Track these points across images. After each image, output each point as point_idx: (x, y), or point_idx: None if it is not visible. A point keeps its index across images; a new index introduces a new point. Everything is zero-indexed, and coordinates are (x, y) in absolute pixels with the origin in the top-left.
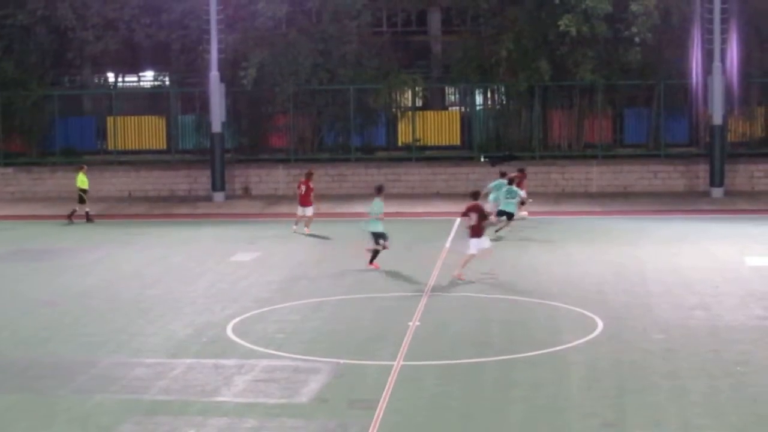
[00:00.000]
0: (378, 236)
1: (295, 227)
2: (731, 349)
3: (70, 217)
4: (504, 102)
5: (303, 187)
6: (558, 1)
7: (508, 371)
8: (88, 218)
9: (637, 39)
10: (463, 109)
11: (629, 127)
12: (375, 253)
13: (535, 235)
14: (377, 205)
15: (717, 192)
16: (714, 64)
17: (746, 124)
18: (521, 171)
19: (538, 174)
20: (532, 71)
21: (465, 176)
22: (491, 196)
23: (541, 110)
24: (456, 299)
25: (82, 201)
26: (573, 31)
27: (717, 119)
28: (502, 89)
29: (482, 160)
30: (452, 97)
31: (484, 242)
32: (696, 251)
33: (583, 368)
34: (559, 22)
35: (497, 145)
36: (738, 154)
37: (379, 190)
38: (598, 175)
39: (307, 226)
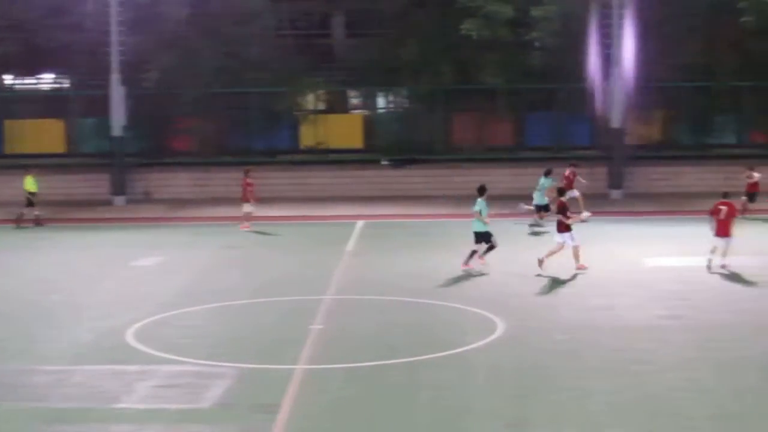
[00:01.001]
0: (481, 236)
1: (242, 227)
2: (633, 348)
3: (18, 221)
4: (407, 105)
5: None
6: (460, 6)
7: (412, 373)
8: (37, 222)
9: (538, 43)
10: (366, 112)
11: (531, 130)
12: (472, 254)
13: (438, 237)
14: (480, 204)
15: (616, 194)
16: (613, 69)
17: (645, 128)
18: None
19: (441, 177)
20: (436, 75)
21: (368, 179)
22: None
23: (444, 113)
24: (359, 302)
25: (30, 204)
26: (475, 35)
27: (616, 123)
28: (406, 92)
29: (384, 163)
30: (356, 101)
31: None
32: (597, 252)
33: (486, 369)
34: (462, 27)
35: (400, 148)
36: (637, 157)
37: (481, 191)
38: (501, 178)
39: (244, 223)
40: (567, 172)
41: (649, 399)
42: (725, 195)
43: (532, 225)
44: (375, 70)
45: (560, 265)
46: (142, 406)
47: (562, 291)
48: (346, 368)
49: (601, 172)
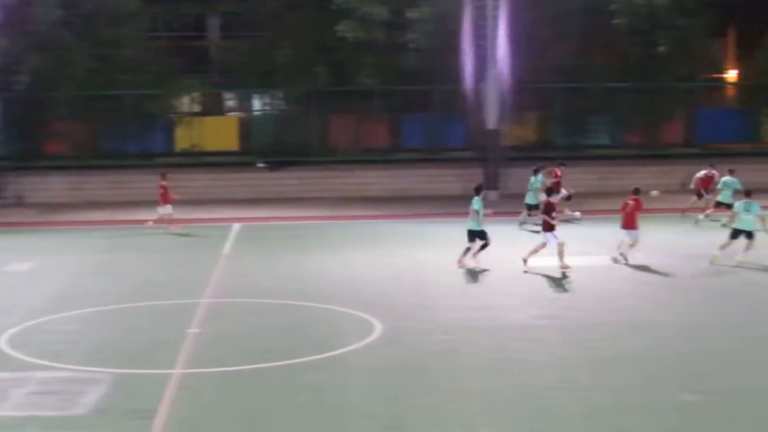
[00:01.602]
0: (475, 235)
1: (173, 228)
2: (509, 348)
3: None
4: (283, 107)
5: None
6: (336, 7)
7: (290, 376)
8: None
9: (413, 45)
10: (241, 114)
11: (407, 131)
12: (466, 251)
13: (315, 239)
14: (478, 203)
15: (492, 195)
16: (488, 70)
17: (520, 129)
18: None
19: (318, 179)
20: (311, 76)
21: (244, 182)
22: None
23: (319, 115)
24: (235, 305)
25: None
26: (351, 36)
27: (491, 124)
28: (281, 95)
29: (259, 165)
30: (231, 103)
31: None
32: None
33: (364, 371)
34: (337, 28)
35: (276, 150)
36: (512, 157)
37: (478, 190)
38: (377, 180)
39: (171, 225)
40: (558, 172)
41: (526, 398)
42: (636, 191)
43: (522, 224)
44: (250, 72)
45: (439, 265)
46: (16, 414)
47: (439, 292)
48: (223, 372)
49: (477, 173)
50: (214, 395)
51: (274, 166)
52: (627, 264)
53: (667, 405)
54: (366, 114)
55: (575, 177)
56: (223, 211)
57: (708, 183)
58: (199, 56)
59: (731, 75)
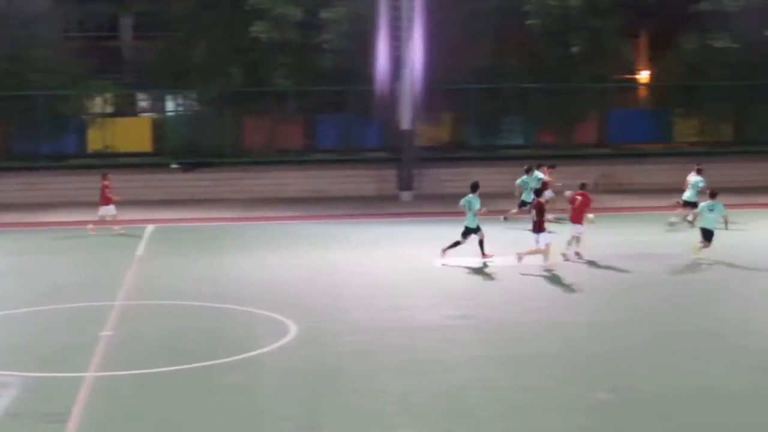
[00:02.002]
0: (469, 231)
1: (117, 228)
2: (423, 348)
3: None
4: (197, 108)
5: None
6: (250, 8)
7: (206, 378)
8: None
9: (328, 45)
10: (155, 115)
11: (322, 132)
12: (454, 245)
13: (229, 240)
14: (475, 201)
15: (406, 195)
16: (402, 71)
17: (434, 130)
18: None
19: (232, 180)
20: (225, 77)
21: (157, 183)
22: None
23: (234, 116)
24: (149, 307)
25: None
26: (265, 37)
27: (406, 124)
28: (195, 95)
29: (173, 166)
30: (144, 104)
31: (547, 236)
32: (388, 254)
33: (279, 372)
34: (251, 29)
35: (190, 151)
36: (426, 158)
37: (474, 188)
38: (292, 181)
39: (113, 226)
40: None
41: (440, 398)
42: (582, 186)
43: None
44: (164, 72)
45: (354, 266)
46: None
47: (354, 293)
48: (137, 374)
49: (391, 173)
50: (129, 398)
51: (188, 167)
52: (542, 265)
53: (581, 404)
54: (280, 115)
55: (489, 177)
56: (137, 213)
57: None
58: (113, 57)
59: (644, 76)
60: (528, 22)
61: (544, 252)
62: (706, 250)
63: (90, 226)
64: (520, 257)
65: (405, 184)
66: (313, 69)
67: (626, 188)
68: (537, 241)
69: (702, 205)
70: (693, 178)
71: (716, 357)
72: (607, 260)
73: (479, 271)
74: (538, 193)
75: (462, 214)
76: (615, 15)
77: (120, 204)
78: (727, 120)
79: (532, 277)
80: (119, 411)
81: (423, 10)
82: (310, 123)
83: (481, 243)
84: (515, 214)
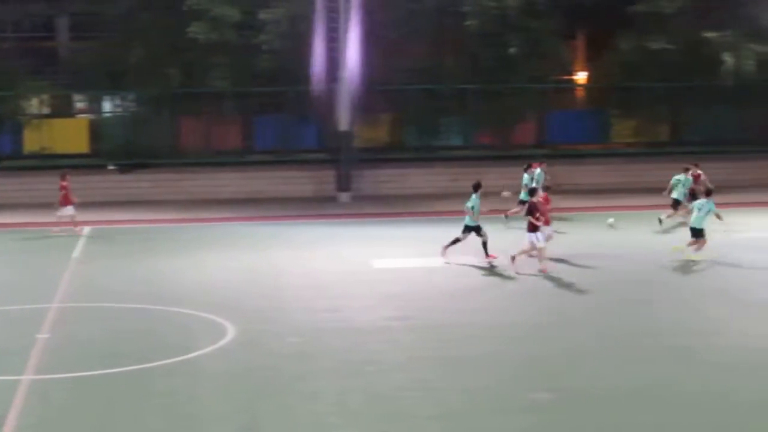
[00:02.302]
0: (470, 229)
1: (77, 230)
2: (360, 349)
3: None
4: (134, 109)
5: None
6: (187, 9)
7: (143, 381)
8: None
9: (266, 46)
10: (92, 116)
11: (260, 133)
12: (454, 242)
13: (167, 242)
14: (473, 201)
15: (344, 197)
16: (340, 72)
17: (372, 131)
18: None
19: (169, 181)
20: (162, 78)
21: (94, 185)
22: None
23: (171, 117)
24: (86, 310)
25: None
26: (202, 38)
27: (344, 125)
28: (132, 96)
29: (110, 168)
30: (81, 105)
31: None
32: (326, 255)
33: (217, 374)
34: (189, 30)
35: (127, 152)
36: (365, 159)
37: (476, 187)
38: (229, 182)
39: (75, 226)
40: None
41: (378, 399)
42: (546, 189)
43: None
44: (101, 73)
45: (292, 267)
46: None
47: (292, 294)
48: (74, 377)
49: (329, 174)
50: (65, 401)
51: (126, 168)
52: (480, 265)
53: (519, 404)
54: (218, 116)
55: (427, 179)
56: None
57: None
58: (49, 58)
59: (581, 77)
60: (466, 23)
61: (540, 252)
62: (698, 249)
63: (54, 228)
64: (513, 259)
65: (343, 185)
66: (251, 70)
67: (565, 188)
68: (532, 241)
69: (695, 203)
70: (681, 177)
71: (656, 357)
72: (556, 262)
73: (418, 271)
74: (532, 192)
75: (399, 215)
76: (552, 16)
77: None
78: (663, 121)
79: (472, 278)
80: (56, 415)
81: (361, 11)
82: (247, 124)
83: (484, 245)
84: (517, 212)
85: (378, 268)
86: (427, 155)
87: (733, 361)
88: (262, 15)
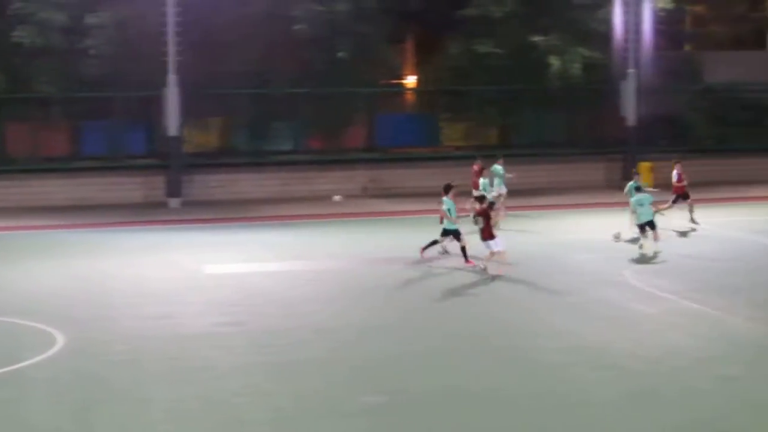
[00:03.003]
0: (448, 233)
1: None
2: (192, 356)
3: None
4: None
5: None
6: (12, 13)
7: None
8: None
9: (94, 51)
10: None
11: (88, 139)
12: (431, 243)
13: None
14: (447, 203)
15: (175, 202)
16: (169, 77)
17: (202, 135)
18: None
19: None
20: None
21: None
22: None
23: None
24: None
25: None
26: (27, 42)
27: (173, 131)
28: None
29: None
30: None
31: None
32: (157, 261)
33: (46, 384)
34: (14, 34)
35: None
36: (194, 164)
37: (447, 189)
38: (58, 189)
39: None
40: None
41: (211, 405)
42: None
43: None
44: None
45: (121, 274)
46: None
47: (122, 301)
48: None
49: (160, 180)
50: None
51: None
52: (309, 270)
53: (351, 408)
54: (45, 121)
55: (258, 183)
56: None
57: (681, 181)
58: None
59: (411, 81)
60: (296, 27)
61: (501, 256)
62: (656, 240)
63: None
64: (483, 268)
65: (173, 191)
66: (79, 75)
67: (395, 192)
68: (489, 248)
69: (632, 201)
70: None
71: (484, 358)
72: (378, 264)
73: (249, 277)
74: (481, 200)
75: (230, 220)
76: (382, 20)
77: None
78: (492, 124)
79: (302, 282)
80: None
81: (190, 14)
82: (75, 130)
83: (463, 249)
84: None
85: (209, 274)
86: (257, 160)
87: (560, 362)
88: (89, 19)
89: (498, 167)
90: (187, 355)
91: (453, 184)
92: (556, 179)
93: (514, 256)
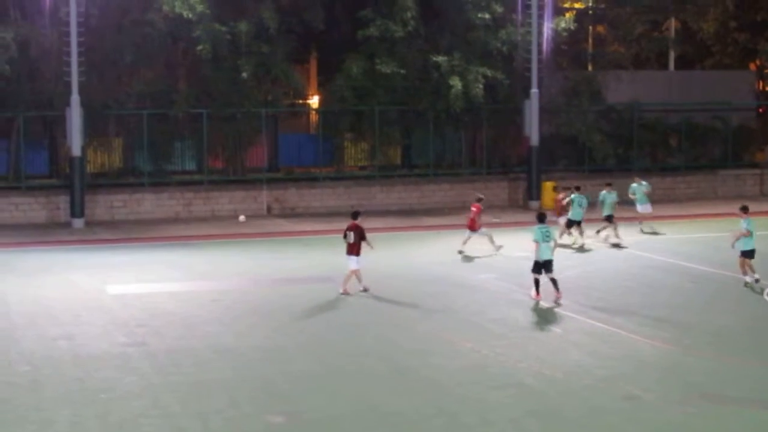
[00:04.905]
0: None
1: None
2: (95, 377)
3: None
4: None
5: None
6: None
7: None
8: None
9: None
10: None
11: None
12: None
13: None
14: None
15: (78, 223)
16: (72, 97)
17: (105, 155)
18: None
19: None
20: None
21: None
22: None
23: None
24: None
25: None
26: None
27: (76, 151)
28: None
29: None
30: None
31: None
32: (59, 282)
33: None
34: None
35: None
36: (97, 184)
37: (355, 216)
38: None
39: None
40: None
41: (113, 427)
42: (479, 200)
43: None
44: None
45: (21, 295)
46: None
47: (24, 322)
48: None
49: (63, 200)
50: None
51: None
52: (207, 291)
53: (255, 427)
54: None
55: (160, 203)
56: None
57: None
58: None
59: (314, 101)
60: (198, 47)
61: (355, 274)
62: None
63: None
64: (345, 291)
65: (76, 211)
66: None
67: (298, 212)
68: (351, 264)
69: (573, 197)
70: (604, 192)
71: (385, 378)
72: (281, 284)
73: (152, 297)
74: (355, 215)
75: (133, 240)
76: (284, 41)
77: None
78: (394, 144)
79: (206, 302)
80: None
81: (92, 35)
82: None
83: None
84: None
85: (113, 295)
86: (160, 180)
87: (460, 381)
88: None
89: (636, 185)
90: (89, 376)
91: (360, 210)
92: (459, 199)
93: (414, 275)
